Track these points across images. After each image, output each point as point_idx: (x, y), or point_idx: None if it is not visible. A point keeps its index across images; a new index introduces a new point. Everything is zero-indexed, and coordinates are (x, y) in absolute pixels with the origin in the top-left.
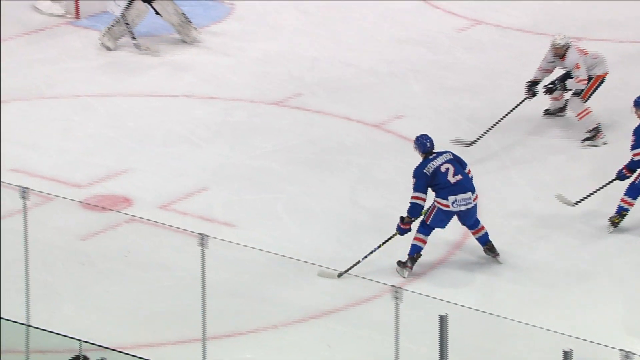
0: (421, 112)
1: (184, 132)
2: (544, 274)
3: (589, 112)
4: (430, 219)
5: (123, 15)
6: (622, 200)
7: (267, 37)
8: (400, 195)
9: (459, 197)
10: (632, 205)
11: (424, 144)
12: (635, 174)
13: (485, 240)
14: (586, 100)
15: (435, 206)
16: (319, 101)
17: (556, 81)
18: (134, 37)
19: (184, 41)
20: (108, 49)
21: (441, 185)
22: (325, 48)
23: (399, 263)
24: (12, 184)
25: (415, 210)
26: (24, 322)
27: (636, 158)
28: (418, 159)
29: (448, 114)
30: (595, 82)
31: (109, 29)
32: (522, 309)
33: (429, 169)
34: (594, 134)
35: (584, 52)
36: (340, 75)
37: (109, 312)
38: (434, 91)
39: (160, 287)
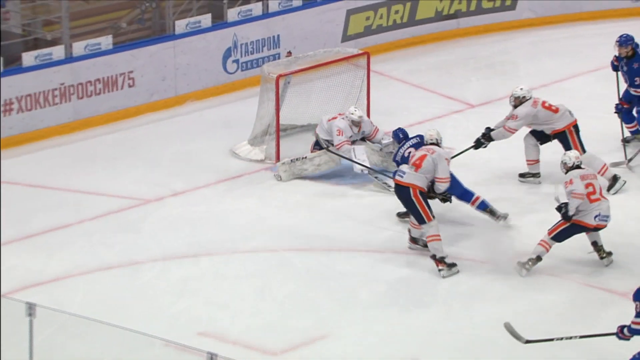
0: None
1: (390, 292)
2: None
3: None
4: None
5: (369, 169)
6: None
7: None
8: None
9: None
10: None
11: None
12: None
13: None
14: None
15: None
16: (551, 262)
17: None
18: (384, 183)
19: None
20: (279, 179)
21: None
22: None
23: None
24: (199, 349)
25: None
26: None
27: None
28: None
29: None
30: (571, 134)
31: (292, 161)
32: None
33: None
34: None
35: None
36: None
37: None
38: None
39: None
